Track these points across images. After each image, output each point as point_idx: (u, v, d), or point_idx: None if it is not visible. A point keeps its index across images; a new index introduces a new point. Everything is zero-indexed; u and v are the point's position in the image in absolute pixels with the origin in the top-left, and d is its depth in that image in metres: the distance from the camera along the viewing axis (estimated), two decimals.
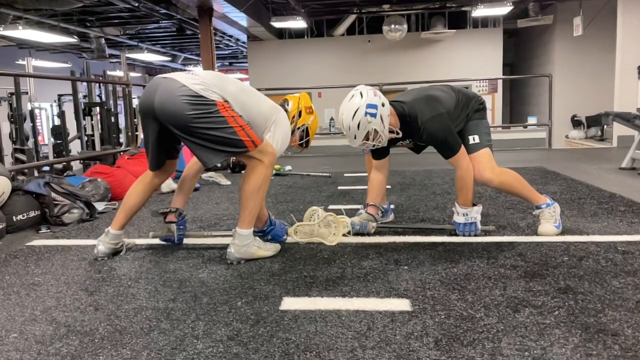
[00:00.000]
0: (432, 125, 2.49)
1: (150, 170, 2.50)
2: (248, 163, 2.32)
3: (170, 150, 2.48)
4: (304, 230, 2.64)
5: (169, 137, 2.33)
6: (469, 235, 2.60)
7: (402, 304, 1.80)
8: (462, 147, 2.54)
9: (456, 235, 2.62)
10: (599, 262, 2.15)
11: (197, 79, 2.21)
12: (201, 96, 2.15)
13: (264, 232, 2.57)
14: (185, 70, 18.14)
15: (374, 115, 2.45)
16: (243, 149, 2.23)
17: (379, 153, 2.79)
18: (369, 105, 2.45)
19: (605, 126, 9.85)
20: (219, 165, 5.62)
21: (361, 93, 2.48)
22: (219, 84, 2.26)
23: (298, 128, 2.62)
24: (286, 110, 2.57)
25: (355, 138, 2.50)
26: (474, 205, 2.60)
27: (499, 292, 1.87)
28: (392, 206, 3.13)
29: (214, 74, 2.34)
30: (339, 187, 4.29)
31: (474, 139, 2.61)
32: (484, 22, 11.43)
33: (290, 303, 1.85)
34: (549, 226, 2.61)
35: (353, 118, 2.45)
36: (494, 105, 11.71)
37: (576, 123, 10.81)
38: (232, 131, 2.19)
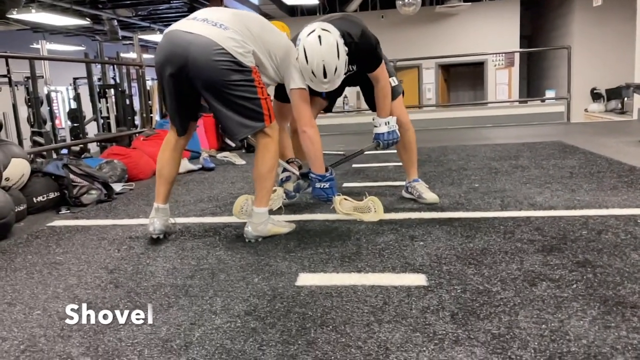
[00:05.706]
0: (366, 36, 2.45)
1: (178, 135, 2.41)
2: (259, 140, 2.29)
3: (194, 110, 2.39)
4: (346, 206, 2.58)
5: (192, 95, 2.26)
6: (393, 144, 2.71)
7: (418, 279, 1.80)
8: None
9: (381, 148, 2.71)
10: (619, 236, 2.12)
11: (232, 35, 2.12)
12: (240, 62, 2.11)
13: (322, 177, 2.53)
14: None
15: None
16: (261, 124, 2.23)
17: (331, 101, 2.87)
18: (340, 36, 2.31)
19: (625, 98, 9.62)
20: (233, 145, 5.64)
21: (326, 30, 2.30)
22: (244, 29, 2.18)
23: None
24: None
25: (338, 77, 2.34)
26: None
27: (515, 267, 1.86)
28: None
29: (236, 18, 2.22)
30: (353, 165, 4.27)
31: (393, 80, 2.67)
32: None
33: (306, 279, 1.87)
34: (433, 194, 2.80)
35: (339, 56, 2.29)
36: (511, 79, 11.50)
37: (596, 96, 10.58)
38: (259, 103, 2.18)
